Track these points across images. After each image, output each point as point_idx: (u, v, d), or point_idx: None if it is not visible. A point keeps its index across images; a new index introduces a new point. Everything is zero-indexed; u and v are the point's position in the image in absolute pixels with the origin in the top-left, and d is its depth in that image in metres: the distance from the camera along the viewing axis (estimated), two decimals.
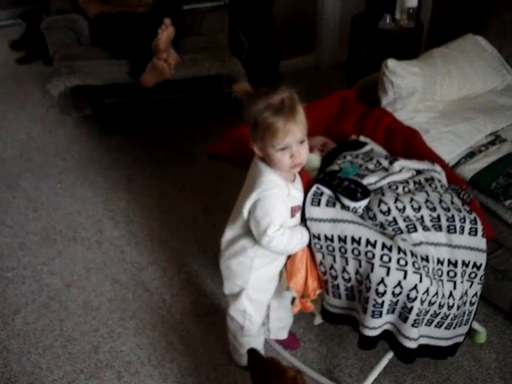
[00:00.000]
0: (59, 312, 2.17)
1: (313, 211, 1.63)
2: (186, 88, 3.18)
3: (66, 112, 3.23)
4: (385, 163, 1.82)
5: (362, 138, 2.03)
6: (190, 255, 2.45)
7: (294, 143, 1.47)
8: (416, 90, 2.24)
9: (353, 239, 1.59)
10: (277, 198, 1.52)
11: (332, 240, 1.62)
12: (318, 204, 1.64)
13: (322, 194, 1.66)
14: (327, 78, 4.17)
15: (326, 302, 1.73)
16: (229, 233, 1.66)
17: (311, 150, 1.99)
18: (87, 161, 3.14)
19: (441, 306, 1.63)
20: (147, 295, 2.25)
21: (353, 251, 1.60)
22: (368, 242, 1.57)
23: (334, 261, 1.64)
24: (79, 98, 3.20)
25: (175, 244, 2.52)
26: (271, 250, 1.57)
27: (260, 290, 1.71)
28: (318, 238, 1.63)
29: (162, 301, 2.23)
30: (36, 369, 1.95)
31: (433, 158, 1.94)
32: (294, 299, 1.73)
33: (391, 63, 2.20)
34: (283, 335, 2.00)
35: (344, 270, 1.64)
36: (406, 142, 2.03)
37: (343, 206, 1.65)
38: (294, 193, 1.60)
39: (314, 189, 1.67)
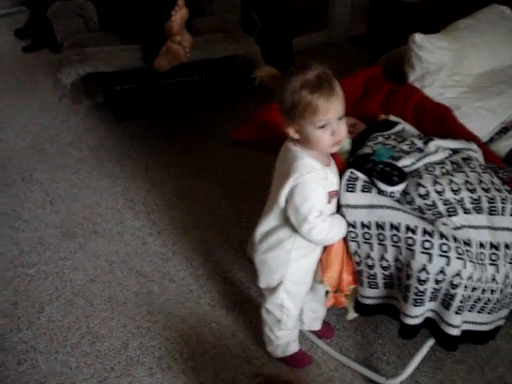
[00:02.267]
0: (84, 308, 2.13)
1: (348, 198, 1.57)
2: (199, 70, 3.08)
3: (77, 100, 3.16)
4: (419, 143, 1.74)
5: (392, 118, 1.95)
6: (214, 244, 2.39)
7: (334, 119, 1.41)
8: (444, 65, 2.14)
9: (391, 225, 1.52)
10: (316, 182, 1.46)
11: (369, 227, 1.55)
12: (354, 190, 1.57)
13: (356, 179, 1.59)
14: (340, 54, 4.05)
15: (361, 294, 1.67)
16: (264, 225, 1.59)
17: None
18: (102, 150, 3.07)
19: (484, 291, 1.56)
20: (173, 287, 2.20)
21: (392, 238, 1.53)
22: (408, 227, 1.51)
23: (371, 249, 1.57)
24: (90, 85, 3.12)
25: (198, 233, 2.46)
26: (311, 239, 1.51)
27: (298, 283, 1.65)
28: (354, 226, 1.56)
29: (189, 292, 2.17)
30: (65, 368, 1.91)
31: (467, 135, 1.86)
32: (327, 292, 1.67)
33: (419, 37, 2.11)
34: (317, 326, 1.94)
35: (382, 258, 1.57)
36: (437, 120, 1.95)
37: (379, 191, 1.58)
38: (331, 177, 1.54)
39: (348, 174, 1.60)
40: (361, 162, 1.66)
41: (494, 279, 1.57)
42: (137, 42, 2.84)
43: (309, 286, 1.68)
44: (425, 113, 1.99)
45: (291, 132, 1.46)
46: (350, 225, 1.56)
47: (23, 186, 2.80)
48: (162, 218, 2.56)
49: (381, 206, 1.54)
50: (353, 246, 1.59)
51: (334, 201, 1.57)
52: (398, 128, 1.87)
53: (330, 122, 1.41)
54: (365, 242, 1.58)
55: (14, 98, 3.64)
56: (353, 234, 1.57)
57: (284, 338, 1.78)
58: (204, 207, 2.61)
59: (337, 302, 1.69)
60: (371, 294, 1.66)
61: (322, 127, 1.41)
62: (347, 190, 1.57)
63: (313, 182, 1.46)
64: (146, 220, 2.55)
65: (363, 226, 1.56)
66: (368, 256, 1.59)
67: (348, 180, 1.58)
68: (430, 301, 1.54)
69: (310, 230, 1.48)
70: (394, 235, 1.52)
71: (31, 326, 2.06)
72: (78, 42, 2.99)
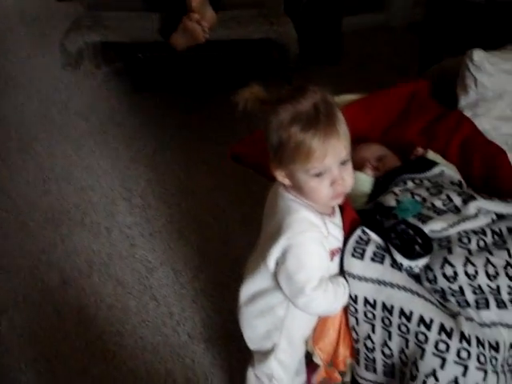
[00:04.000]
0: (49, 318, 1.88)
1: (353, 265, 1.24)
2: (230, 46, 2.75)
3: (95, 64, 2.89)
4: (457, 201, 1.38)
5: (431, 154, 1.60)
6: (209, 257, 2.10)
7: (334, 165, 1.08)
8: (506, 92, 1.76)
9: (402, 312, 1.20)
10: (315, 243, 1.15)
11: (374, 306, 1.23)
12: (362, 257, 1.24)
13: (367, 242, 1.26)
14: (396, 41, 3.63)
15: (357, 373, 1.36)
16: (250, 286, 1.29)
17: (362, 166, 1.58)
18: (111, 123, 2.80)
19: None
20: (153, 305, 1.93)
21: (399, 327, 1.21)
22: (422, 320, 1.18)
23: (373, 331, 1.26)
24: (110, 49, 2.83)
25: (195, 240, 2.17)
26: (309, 313, 1.22)
27: (292, 354, 1.35)
28: (355, 301, 1.25)
29: (168, 315, 1.90)
30: None
31: None
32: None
33: (477, 55, 1.74)
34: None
35: (385, 345, 1.26)
36: (487, 164, 1.59)
37: (394, 262, 1.25)
38: (334, 231, 1.21)
39: (357, 233, 1.27)
40: (378, 219, 1.33)
41: None
42: (157, 10, 2.51)
43: (303, 353, 1.38)
44: (473, 151, 1.64)
45: (279, 177, 1.15)
46: (350, 297, 1.25)
47: (18, 158, 2.56)
48: (158, 217, 2.28)
49: (392, 285, 1.21)
50: (351, 320, 1.28)
51: (337, 258, 1.25)
52: (435, 171, 1.53)
53: (328, 169, 1.09)
54: (366, 322, 1.26)
55: (34, 49, 3.39)
56: (352, 309, 1.26)
57: None
58: (208, 209, 2.31)
59: (329, 378, 1.40)
60: (368, 377, 1.36)
61: (318, 175, 1.09)
62: (353, 256, 1.25)
63: (310, 242, 1.15)
64: (140, 216, 2.28)
65: (367, 302, 1.24)
66: (368, 337, 1.27)
67: (357, 242, 1.26)
68: None
69: (308, 304, 1.18)
70: (403, 324, 1.20)
71: None
72: (99, 2, 2.68)
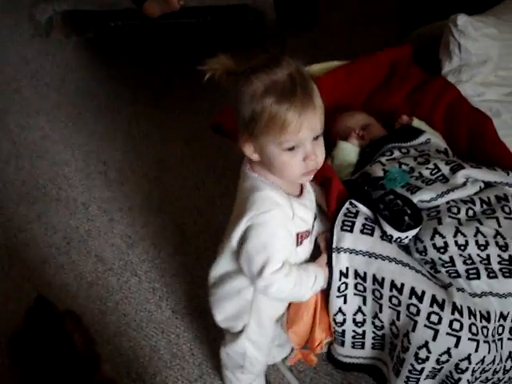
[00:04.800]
0: (30, 296, 1.82)
1: (343, 238, 1.22)
2: (205, 12, 2.66)
3: (65, 33, 2.77)
4: (445, 170, 1.37)
5: (416, 122, 1.57)
6: (190, 229, 2.05)
7: (308, 140, 1.04)
8: (490, 58, 1.74)
9: (392, 284, 1.19)
10: (278, 224, 1.10)
11: (364, 279, 1.22)
12: (351, 229, 1.22)
13: (356, 214, 1.24)
14: (373, 3, 3.53)
15: (338, 352, 1.35)
16: (217, 268, 1.26)
17: (346, 135, 1.55)
18: (84, 94, 2.69)
19: (495, 372, 1.24)
20: (134, 281, 1.89)
21: (390, 299, 1.20)
22: (413, 291, 1.17)
23: (364, 303, 1.25)
24: (81, 17, 2.72)
25: (175, 213, 2.12)
26: (270, 297, 1.17)
27: (263, 334, 1.32)
28: (345, 275, 1.23)
29: (150, 291, 1.87)
30: None
31: (506, 158, 1.49)
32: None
33: (461, 20, 1.70)
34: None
35: (376, 317, 1.25)
36: (472, 132, 1.58)
37: (384, 234, 1.23)
38: (301, 213, 1.16)
39: (346, 206, 1.24)
40: (366, 190, 1.31)
41: (509, 356, 1.24)
42: None
43: (275, 331, 1.36)
44: (458, 118, 1.63)
45: (248, 151, 1.10)
46: (340, 274, 1.22)
47: None
48: (137, 191, 2.21)
49: (382, 257, 1.20)
50: (337, 302, 1.25)
51: (307, 243, 1.21)
52: (421, 139, 1.51)
53: (301, 144, 1.04)
54: (356, 294, 1.25)
55: (1, 18, 3.22)
56: (342, 287, 1.24)
57: (247, 380, 1.48)
58: (186, 182, 2.25)
59: (304, 359, 1.38)
60: (353, 354, 1.35)
61: (291, 149, 1.05)
62: (343, 229, 1.22)
63: (273, 223, 1.10)
64: (118, 191, 2.21)
65: (357, 275, 1.23)
66: (359, 310, 1.26)
67: (345, 214, 1.23)
68: (427, 379, 1.23)
69: (267, 288, 1.13)
70: (394, 297, 1.19)
71: None
72: None
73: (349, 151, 1.49)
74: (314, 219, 1.21)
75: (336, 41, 3.01)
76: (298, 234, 1.15)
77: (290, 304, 1.27)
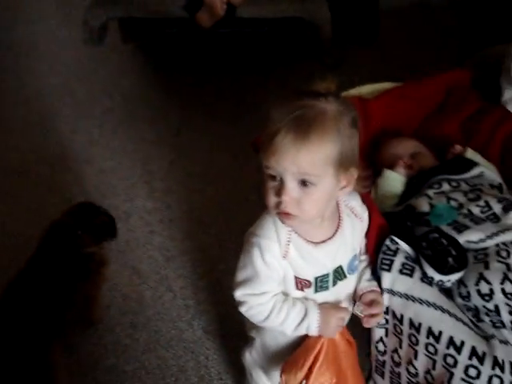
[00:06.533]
0: None
1: (381, 278, 1.14)
2: (261, 23, 2.62)
3: (120, 39, 2.79)
4: (497, 208, 1.26)
5: (470, 153, 1.47)
6: (230, 248, 2.00)
7: (289, 176, 0.94)
8: None
9: (430, 331, 1.10)
10: (258, 257, 1.03)
11: (401, 321, 1.13)
12: (389, 268, 1.14)
13: (396, 251, 1.16)
14: (436, 21, 3.41)
15: None
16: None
17: (393, 163, 1.47)
18: (136, 100, 2.70)
19: None
20: (169, 297, 1.86)
21: (426, 347, 1.11)
22: (451, 341, 1.07)
23: (400, 346, 1.16)
24: (138, 24, 2.73)
25: (216, 230, 2.07)
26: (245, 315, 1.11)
27: (265, 358, 1.25)
28: (385, 312, 1.15)
29: (184, 308, 1.83)
30: None
31: None
32: None
33: None
34: None
35: (410, 363, 1.16)
36: None
37: (424, 275, 1.14)
38: (324, 258, 1.06)
39: (386, 242, 1.16)
40: (409, 226, 1.22)
41: None
42: None
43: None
44: None
45: None
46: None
47: (40, 136, 2.48)
48: (180, 203, 2.19)
49: (421, 301, 1.11)
50: (379, 332, 1.18)
51: (310, 292, 1.08)
52: (474, 172, 1.40)
53: (281, 176, 0.95)
54: (394, 334, 1.17)
55: (59, 21, 3.29)
56: (382, 321, 1.16)
57: None
58: (232, 196, 2.20)
59: None
60: None
61: (271, 178, 0.97)
62: (381, 268, 1.14)
63: (255, 253, 1.03)
64: (161, 202, 2.20)
65: (394, 316, 1.14)
66: (395, 351, 1.18)
67: (384, 252, 1.15)
68: None
69: (238, 304, 1.10)
70: (431, 344, 1.10)
71: None
72: None
73: (394, 181, 1.40)
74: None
75: (394, 57, 2.91)
76: (296, 279, 1.06)
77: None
